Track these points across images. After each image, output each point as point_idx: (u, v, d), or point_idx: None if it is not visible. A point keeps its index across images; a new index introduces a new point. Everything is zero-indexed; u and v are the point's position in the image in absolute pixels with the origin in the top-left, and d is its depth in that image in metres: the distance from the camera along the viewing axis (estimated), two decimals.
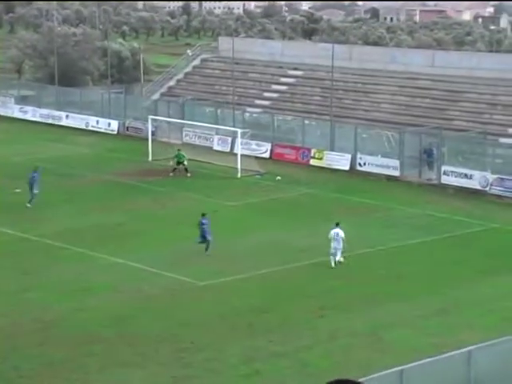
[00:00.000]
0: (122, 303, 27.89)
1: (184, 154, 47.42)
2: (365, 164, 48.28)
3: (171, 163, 46.88)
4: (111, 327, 25.89)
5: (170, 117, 57.02)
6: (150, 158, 49.83)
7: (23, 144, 54.55)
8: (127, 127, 59.29)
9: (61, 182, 43.83)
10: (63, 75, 68.64)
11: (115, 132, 59.56)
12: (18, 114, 64.98)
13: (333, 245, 31.54)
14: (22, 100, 66.19)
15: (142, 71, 69.45)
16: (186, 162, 46.70)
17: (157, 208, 39.74)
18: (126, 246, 33.81)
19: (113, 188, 42.85)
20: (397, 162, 47.09)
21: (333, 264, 31.44)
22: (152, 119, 53.21)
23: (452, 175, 44.52)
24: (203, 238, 32.54)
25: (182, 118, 56.79)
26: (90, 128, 60.63)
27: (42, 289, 29.07)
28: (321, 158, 50.16)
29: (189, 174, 46.32)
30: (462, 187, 43.82)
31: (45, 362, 23.43)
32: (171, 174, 46.15)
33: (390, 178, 46.65)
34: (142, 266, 31.45)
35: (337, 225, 32.21)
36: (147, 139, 51.18)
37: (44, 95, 65.74)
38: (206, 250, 32.57)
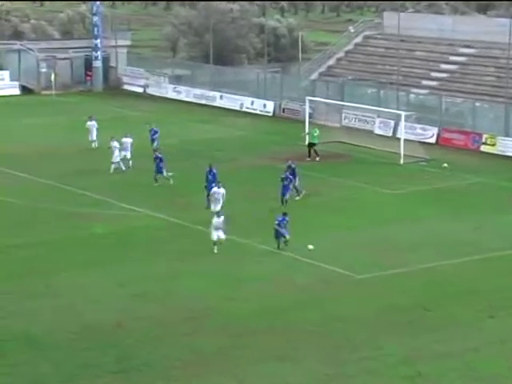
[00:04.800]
0: (275, 294, 28.26)
1: (317, 130, 47.24)
2: None
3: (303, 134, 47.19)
4: (264, 319, 26.28)
5: (328, 98, 57.06)
6: (307, 142, 50.12)
7: (176, 125, 56.02)
8: (283, 109, 59.79)
9: (214, 165, 44.70)
10: (218, 53, 69.95)
11: (271, 114, 60.19)
12: (171, 94, 66.82)
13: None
14: (176, 79, 68.03)
15: (300, 49, 69.79)
16: (316, 142, 46.64)
17: (312, 195, 39.93)
18: None
19: (266, 173, 43.31)
20: None
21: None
22: (309, 100, 53.44)
23: None
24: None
25: (342, 100, 56.73)
26: (244, 109, 61.54)
27: (193, 276, 29.87)
28: (493, 144, 49.06)
29: (317, 158, 46.26)
30: None
31: (196, 352, 24.08)
32: (317, 159, 46.26)
33: None
34: (296, 255, 31.71)
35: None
36: (304, 121, 51.48)
37: (198, 74, 67.29)
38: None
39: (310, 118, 52.20)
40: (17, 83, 68.06)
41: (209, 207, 36.04)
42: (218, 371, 23.03)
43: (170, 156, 46.80)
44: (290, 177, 37.82)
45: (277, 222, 32.06)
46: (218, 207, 34.55)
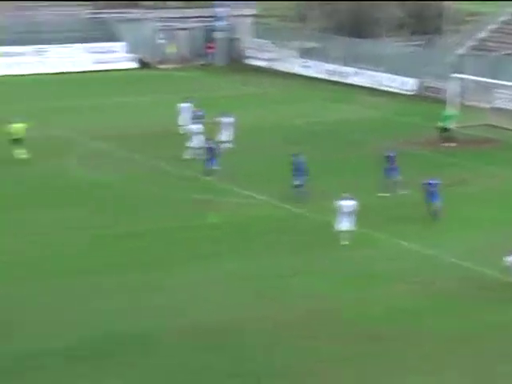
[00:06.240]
0: (410, 296, 27.76)
1: (452, 114, 46.17)
2: None
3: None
4: (395, 324, 25.87)
5: (478, 75, 55.77)
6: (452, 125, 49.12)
7: (304, 104, 55.83)
8: (426, 87, 58.89)
9: (340, 149, 44.22)
10: (353, 24, 69.36)
11: (411, 92, 59.41)
12: (299, 70, 66.64)
13: None
14: (305, 53, 67.74)
15: (445, 19, 68.45)
16: (451, 126, 45.85)
17: (458, 184, 39.01)
18: (420, 229, 33.53)
19: (400, 158, 42.34)
20: None
21: None
22: (456, 78, 52.44)
23: None
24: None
25: (495, 78, 55.39)
26: (381, 87, 60.95)
27: (316, 274, 29.55)
28: None
29: (453, 144, 45.35)
30: None
31: (317, 358, 23.81)
32: (446, 145, 45.64)
33: None
34: (438, 253, 31.09)
35: None
36: (449, 102, 50.46)
37: (330, 48, 66.76)
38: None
39: (456, 97, 51.11)
40: (133, 56, 68.84)
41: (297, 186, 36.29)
42: (340, 381, 22.67)
43: (294, 138, 46.57)
44: (435, 181, 34.28)
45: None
46: (347, 224, 31.99)
